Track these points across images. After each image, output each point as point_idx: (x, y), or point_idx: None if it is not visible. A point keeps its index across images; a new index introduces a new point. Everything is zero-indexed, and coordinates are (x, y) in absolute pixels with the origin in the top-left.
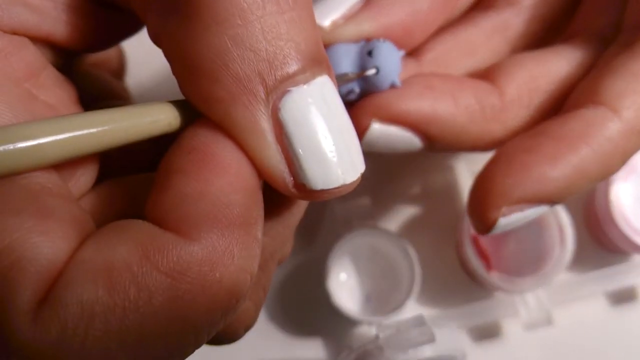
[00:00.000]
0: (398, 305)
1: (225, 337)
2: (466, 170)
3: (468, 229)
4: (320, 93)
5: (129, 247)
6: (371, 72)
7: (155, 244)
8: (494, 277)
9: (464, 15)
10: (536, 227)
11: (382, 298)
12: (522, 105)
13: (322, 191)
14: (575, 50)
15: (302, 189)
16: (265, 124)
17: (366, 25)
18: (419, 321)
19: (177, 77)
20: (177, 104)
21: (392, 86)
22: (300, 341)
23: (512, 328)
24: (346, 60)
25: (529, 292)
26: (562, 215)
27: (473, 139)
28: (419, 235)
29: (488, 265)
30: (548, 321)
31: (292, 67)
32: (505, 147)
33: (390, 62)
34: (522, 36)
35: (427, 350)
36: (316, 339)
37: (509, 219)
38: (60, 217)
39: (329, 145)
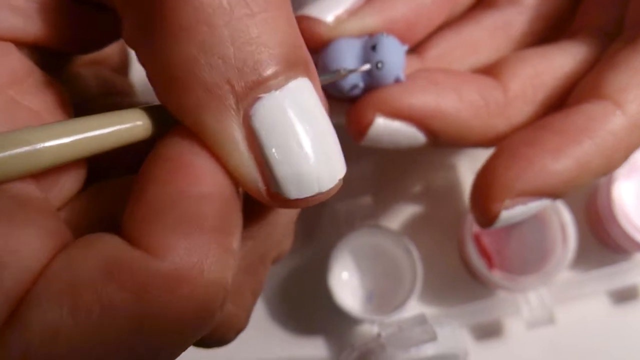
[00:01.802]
0: (400, 304)
1: (212, 341)
2: (468, 169)
3: (470, 227)
4: (294, 98)
5: (94, 264)
6: (366, 67)
7: (120, 262)
8: (496, 275)
9: (467, 13)
10: (538, 225)
11: (384, 296)
12: (526, 101)
13: (297, 200)
14: (579, 46)
15: (276, 197)
16: (237, 133)
17: (369, 20)
18: (421, 320)
19: (151, 84)
20: (157, 109)
21: (397, 81)
22: (302, 340)
23: (514, 326)
24: (350, 54)
25: (531, 291)
26: (565, 214)
27: (477, 134)
28: (421, 233)
29: (490, 263)
30: (550, 320)
31: (263, 72)
32: (507, 141)
33: (394, 56)
34: (525, 34)
35: (429, 349)
36: (318, 337)
37: (511, 212)
38: (32, 231)
39: (302, 152)
